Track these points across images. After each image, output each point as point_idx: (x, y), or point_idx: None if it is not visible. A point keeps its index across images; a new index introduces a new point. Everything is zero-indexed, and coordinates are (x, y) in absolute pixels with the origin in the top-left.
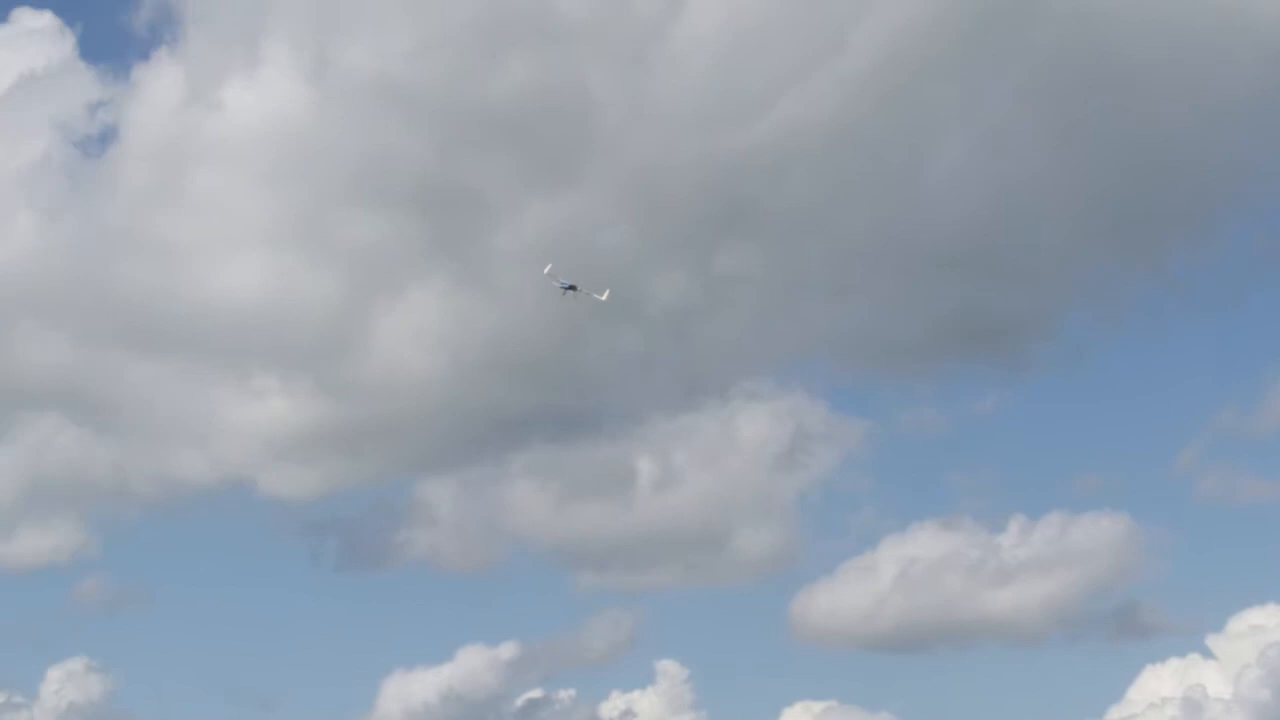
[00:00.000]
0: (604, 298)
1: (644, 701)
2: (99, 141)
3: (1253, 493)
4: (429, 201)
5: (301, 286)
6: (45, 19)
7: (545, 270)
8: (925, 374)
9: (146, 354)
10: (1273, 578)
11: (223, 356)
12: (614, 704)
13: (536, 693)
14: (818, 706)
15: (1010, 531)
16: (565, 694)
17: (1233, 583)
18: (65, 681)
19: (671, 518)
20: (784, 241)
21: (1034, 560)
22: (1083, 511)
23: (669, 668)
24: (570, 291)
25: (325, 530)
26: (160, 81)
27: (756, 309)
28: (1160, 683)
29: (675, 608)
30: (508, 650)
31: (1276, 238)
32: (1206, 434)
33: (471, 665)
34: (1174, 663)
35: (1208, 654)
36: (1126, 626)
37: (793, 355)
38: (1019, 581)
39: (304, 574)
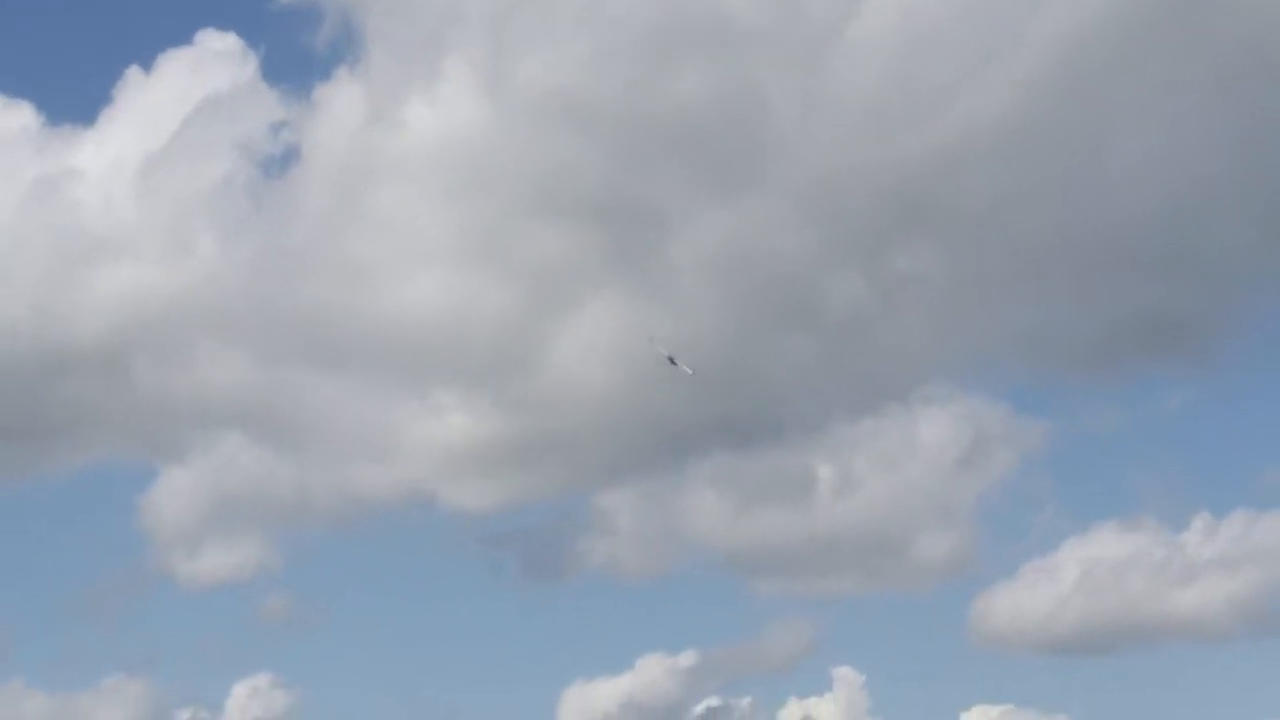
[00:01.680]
0: (691, 371)
1: (821, 708)
2: (281, 162)
3: None
4: (607, 213)
5: (480, 302)
6: (229, 41)
7: (649, 339)
8: (1107, 373)
9: (327, 372)
10: None
11: (402, 373)
12: (791, 711)
13: (715, 700)
14: (995, 710)
15: (1194, 530)
16: (743, 701)
17: None
18: (251, 697)
19: (851, 523)
20: (963, 242)
21: (1219, 559)
22: (1268, 508)
23: (846, 674)
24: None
25: (505, 542)
26: (341, 101)
27: (936, 311)
28: None
29: (855, 613)
30: (687, 658)
31: None
32: None
33: (651, 674)
34: None
35: None
36: None
37: (973, 357)
38: (1203, 581)
39: (485, 586)
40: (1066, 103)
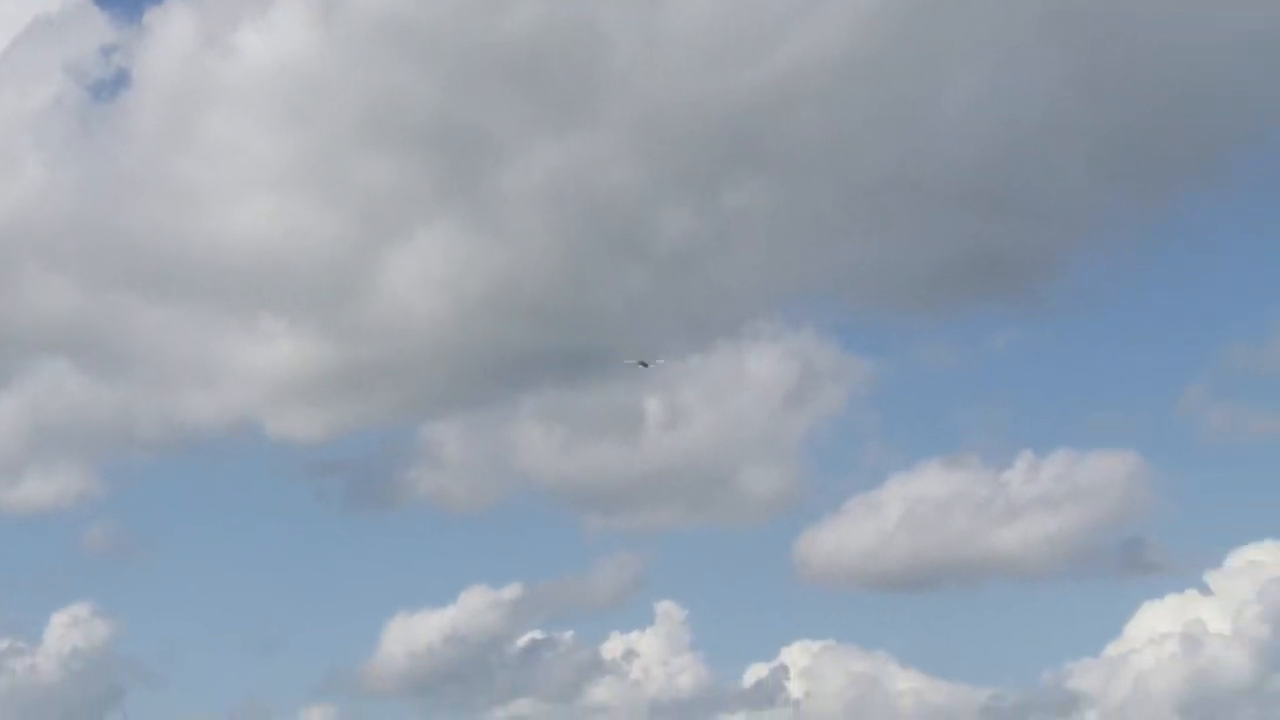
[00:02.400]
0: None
1: (643, 642)
2: (111, 85)
3: (1258, 429)
4: (438, 143)
5: (310, 229)
6: None
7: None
8: (936, 311)
9: (155, 298)
10: (1273, 514)
11: (231, 300)
12: (613, 645)
13: (537, 634)
14: (816, 646)
15: (1018, 469)
16: (565, 635)
17: (1235, 519)
18: (70, 626)
19: (680, 458)
20: (794, 177)
21: (1041, 497)
22: (1090, 449)
23: (668, 609)
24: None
25: (332, 472)
26: (173, 25)
27: (766, 246)
28: (1158, 619)
29: (680, 548)
30: (511, 591)
31: None
32: (1214, 371)
33: (474, 607)
34: (1172, 599)
35: (1207, 590)
36: (1130, 563)
37: (803, 293)
38: (1025, 519)
39: (310, 516)
40: (900, 41)
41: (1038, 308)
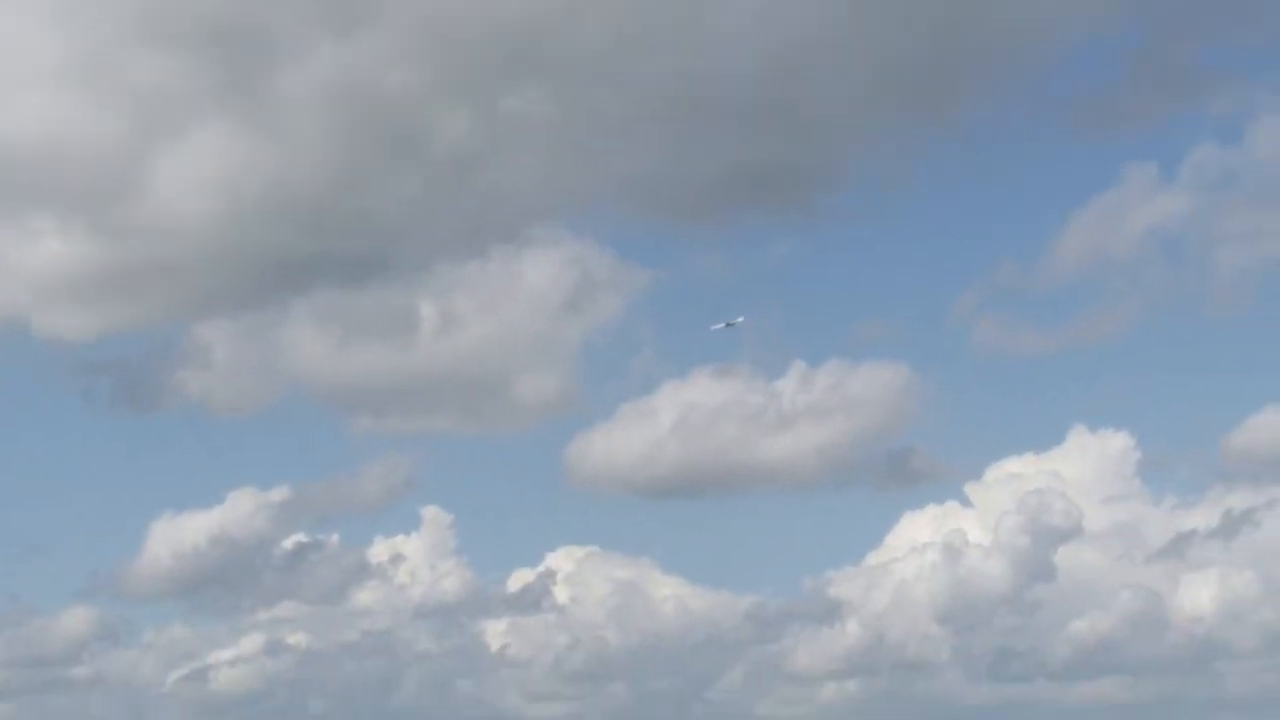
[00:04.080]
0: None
1: (408, 547)
2: None
3: (1024, 345)
4: (216, 41)
5: (82, 126)
6: None
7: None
8: (713, 221)
9: None
10: (1034, 427)
11: None
12: (379, 549)
13: (303, 537)
14: (580, 552)
15: (789, 378)
16: (332, 538)
17: (997, 432)
18: None
19: (454, 363)
20: (574, 86)
21: (812, 407)
22: (862, 360)
23: (434, 513)
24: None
25: (100, 371)
26: None
27: (546, 153)
28: (919, 529)
29: (451, 453)
30: (279, 494)
31: (1062, 93)
32: (985, 286)
33: (242, 508)
34: (933, 509)
35: (967, 501)
36: (895, 474)
37: (582, 201)
38: (796, 428)
39: (77, 416)
40: None
41: (814, 219)
